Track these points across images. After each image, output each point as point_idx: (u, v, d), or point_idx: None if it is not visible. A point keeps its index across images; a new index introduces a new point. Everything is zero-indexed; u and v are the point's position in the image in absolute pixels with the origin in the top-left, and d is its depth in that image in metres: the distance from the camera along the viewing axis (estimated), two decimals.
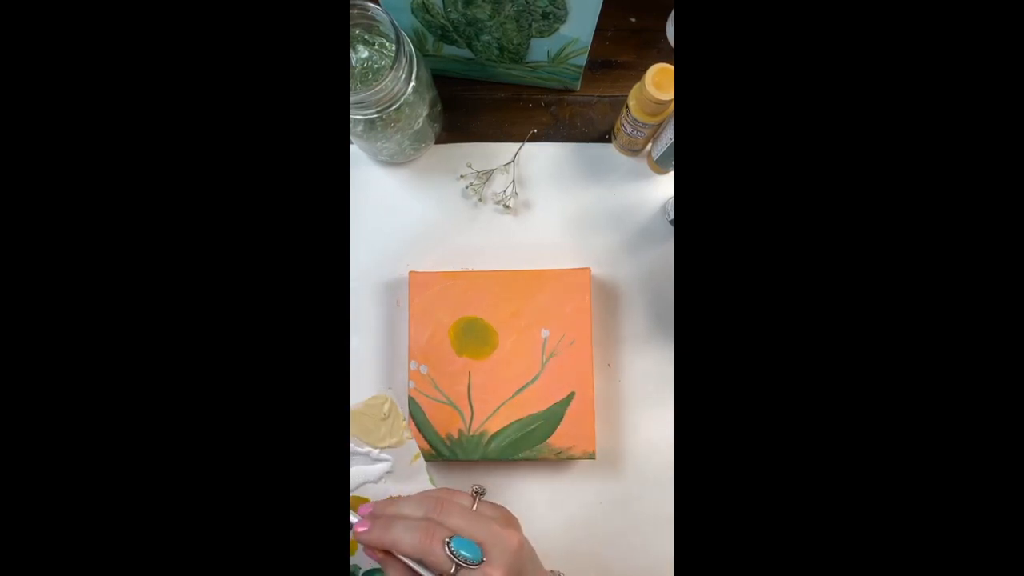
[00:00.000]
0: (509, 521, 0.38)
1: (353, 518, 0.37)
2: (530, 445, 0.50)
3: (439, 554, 0.33)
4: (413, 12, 0.47)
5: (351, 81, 0.44)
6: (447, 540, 0.34)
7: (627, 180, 0.55)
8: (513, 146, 0.56)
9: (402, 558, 0.35)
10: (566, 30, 0.46)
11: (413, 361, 0.51)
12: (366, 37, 0.45)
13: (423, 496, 0.37)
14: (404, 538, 0.34)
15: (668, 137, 0.48)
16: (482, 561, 0.34)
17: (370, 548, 0.36)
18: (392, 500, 0.39)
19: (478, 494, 0.38)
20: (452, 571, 0.33)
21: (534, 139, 0.56)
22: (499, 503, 0.39)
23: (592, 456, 0.50)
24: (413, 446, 0.48)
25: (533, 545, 0.39)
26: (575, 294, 0.51)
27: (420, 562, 0.35)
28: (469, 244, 0.55)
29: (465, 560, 0.33)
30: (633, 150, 0.54)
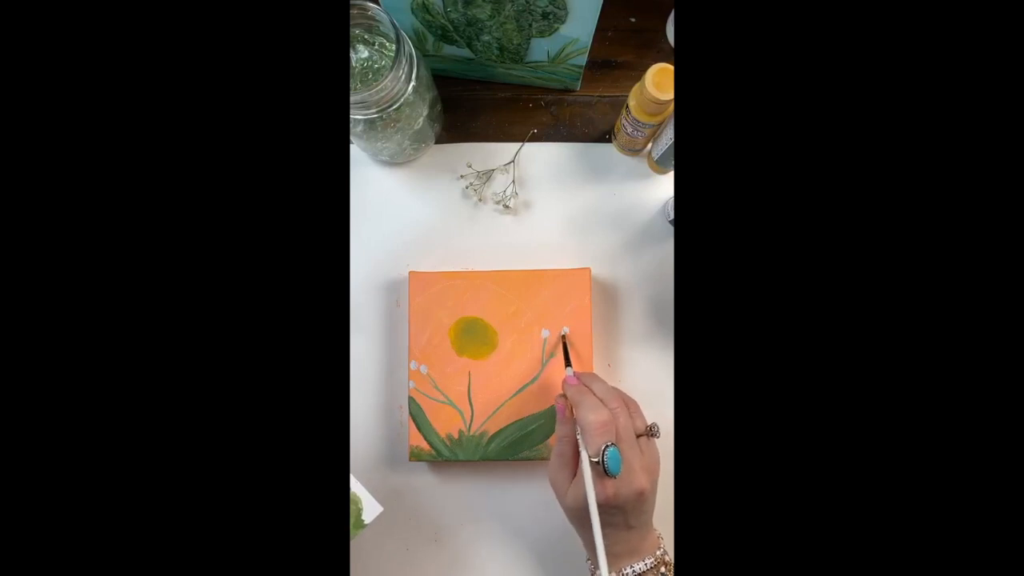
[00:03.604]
0: (649, 468, 0.41)
1: (568, 372, 0.46)
2: (530, 445, 0.50)
3: (597, 445, 0.39)
4: (413, 12, 0.47)
5: (351, 81, 0.44)
6: (610, 444, 0.38)
7: (627, 180, 0.55)
8: (513, 146, 0.56)
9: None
10: (566, 30, 0.46)
11: (413, 361, 0.51)
12: (366, 37, 0.45)
13: (617, 393, 0.43)
14: (590, 412, 0.40)
15: (668, 137, 0.48)
16: (612, 477, 0.38)
17: (562, 399, 0.44)
18: (595, 376, 0.44)
19: (652, 432, 0.42)
20: (594, 462, 0.39)
21: (534, 139, 0.56)
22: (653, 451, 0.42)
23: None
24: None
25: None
26: (575, 294, 0.51)
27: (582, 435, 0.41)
28: (469, 244, 0.55)
29: (606, 467, 0.38)
30: (633, 150, 0.54)
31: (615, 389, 0.43)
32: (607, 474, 0.38)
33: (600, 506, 0.39)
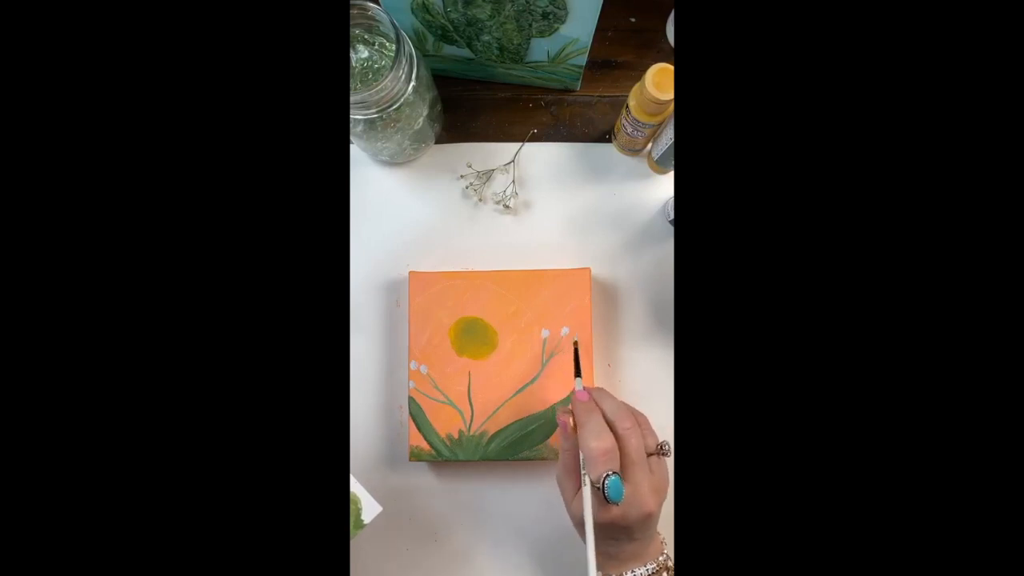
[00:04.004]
0: (658, 489, 0.40)
1: (578, 386, 0.45)
2: (530, 445, 0.50)
3: (599, 472, 0.38)
4: (413, 12, 0.47)
5: (351, 81, 0.44)
6: (611, 472, 0.38)
7: (627, 180, 0.55)
8: (513, 146, 0.56)
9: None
10: (566, 30, 0.46)
11: (413, 361, 0.51)
12: (366, 37, 0.45)
13: (628, 411, 0.41)
14: (592, 439, 0.39)
15: (668, 137, 0.48)
16: (615, 503, 0.38)
17: (565, 415, 0.43)
18: (606, 393, 0.43)
19: (663, 451, 0.41)
20: (595, 488, 0.38)
21: (534, 139, 0.56)
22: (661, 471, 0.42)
23: None
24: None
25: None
26: (575, 294, 0.51)
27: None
28: (469, 244, 0.55)
29: (607, 496, 0.37)
30: (633, 150, 0.54)
31: (626, 406, 0.42)
32: (608, 502, 0.37)
33: (605, 525, 0.39)
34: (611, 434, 0.39)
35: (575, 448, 0.41)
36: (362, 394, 0.53)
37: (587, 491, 0.39)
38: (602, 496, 0.37)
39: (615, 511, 0.38)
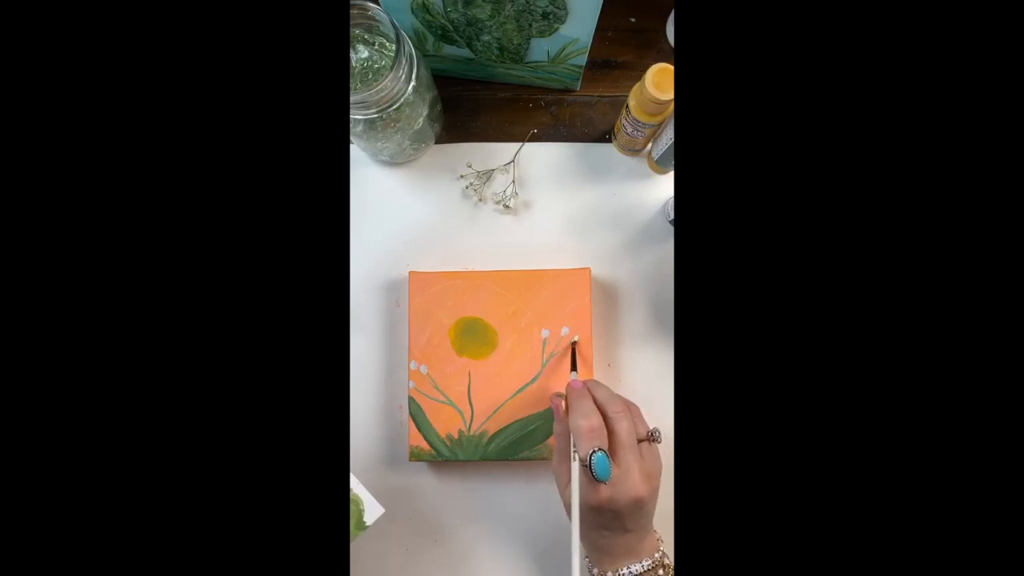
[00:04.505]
0: (650, 475, 0.40)
1: (573, 375, 0.47)
2: (530, 445, 0.50)
3: (584, 450, 0.39)
4: (413, 12, 0.47)
5: (351, 81, 0.44)
6: (597, 448, 0.38)
7: (627, 180, 0.55)
8: (513, 146, 0.56)
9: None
10: (566, 30, 0.46)
11: (413, 361, 0.51)
12: (366, 37, 0.45)
13: (619, 398, 0.42)
14: (581, 418, 0.40)
15: (668, 137, 0.48)
16: (602, 483, 0.38)
17: (558, 399, 0.45)
18: (600, 383, 0.44)
19: (653, 438, 0.42)
20: (583, 467, 0.39)
21: (534, 139, 0.56)
22: (655, 458, 0.42)
23: None
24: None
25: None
26: (575, 294, 0.51)
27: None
28: (469, 244, 0.55)
29: (593, 471, 0.38)
30: (633, 150, 0.54)
31: (618, 395, 0.43)
32: (596, 479, 0.38)
33: (595, 509, 0.39)
34: (599, 415, 0.40)
35: (567, 432, 0.42)
36: (362, 394, 0.53)
37: (575, 467, 0.39)
38: (590, 475, 0.38)
39: (604, 492, 0.38)
